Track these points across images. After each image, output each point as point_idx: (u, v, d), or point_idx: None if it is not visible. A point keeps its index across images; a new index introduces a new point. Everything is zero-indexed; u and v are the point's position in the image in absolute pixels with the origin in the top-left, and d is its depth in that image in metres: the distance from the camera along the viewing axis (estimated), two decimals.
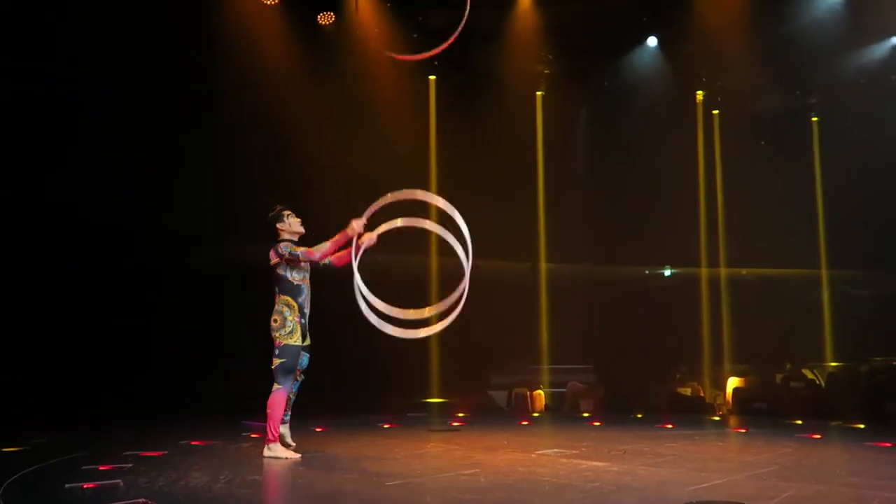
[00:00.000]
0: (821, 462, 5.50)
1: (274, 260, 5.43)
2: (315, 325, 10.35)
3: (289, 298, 5.41)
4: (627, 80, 11.81)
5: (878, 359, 10.96)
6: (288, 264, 5.41)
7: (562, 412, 10.78)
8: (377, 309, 5.61)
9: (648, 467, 5.02)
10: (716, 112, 12.75)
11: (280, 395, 5.33)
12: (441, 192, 11.87)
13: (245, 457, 5.39)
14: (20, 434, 6.27)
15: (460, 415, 9.04)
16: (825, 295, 12.76)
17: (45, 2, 8.39)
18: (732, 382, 11.13)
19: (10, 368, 7.97)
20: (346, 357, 10.30)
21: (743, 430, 7.72)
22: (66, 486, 4.15)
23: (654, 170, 11.65)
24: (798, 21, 10.51)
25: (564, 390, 11.42)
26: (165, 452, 5.46)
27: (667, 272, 13.86)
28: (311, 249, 5.40)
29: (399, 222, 5.82)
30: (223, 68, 9.50)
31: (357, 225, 5.43)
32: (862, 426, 8.10)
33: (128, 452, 5.34)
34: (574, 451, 5.73)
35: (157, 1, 8.88)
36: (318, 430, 7.15)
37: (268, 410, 5.32)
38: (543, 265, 12.63)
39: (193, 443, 6.05)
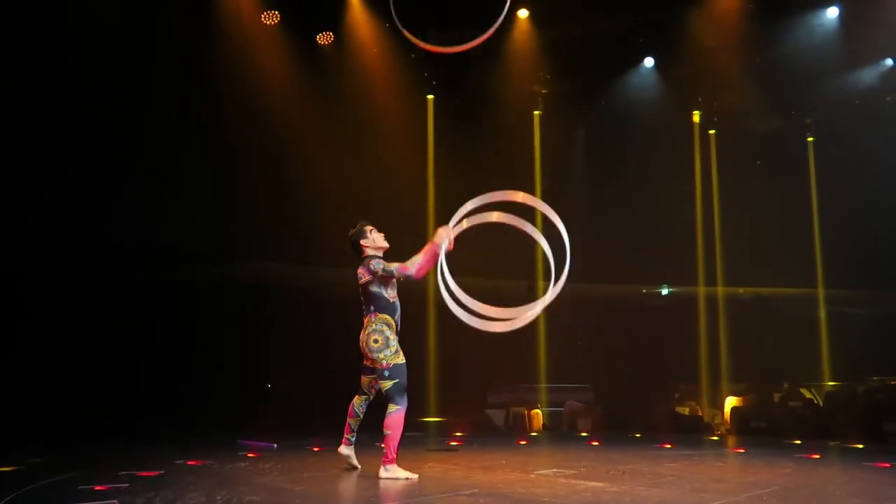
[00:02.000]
0: (820, 483, 5.47)
1: (365, 278, 5.30)
2: (311, 345, 10.42)
3: (387, 317, 5.34)
4: (624, 101, 11.89)
5: (875, 378, 10.95)
6: (380, 281, 5.29)
7: (560, 431, 10.74)
8: (470, 308, 5.51)
9: (648, 488, 5.00)
10: (712, 132, 12.83)
11: (399, 416, 5.27)
12: (439, 211, 12.09)
13: (241, 476, 5.36)
14: (15, 453, 6.23)
15: (458, 434, 9.00)
16: (822, 314, 12.78)
17: (43, 17, 8.43)
18: (731, 402, 11.10)
19: (4, 387, 7.94)
20: (343, 375, 10.30)
21: (742, 450, 7.70)
22: None
23: (651, 189, 11.71)
24: (793, 42, 10.61)
25: (562, 409, 11.38)
26: (161, 472, 5.43)
27: (664, 291, 13.86)
28: (404, 265, 5.25)
29: (495, 216, 5.66)
30: (222, 87, 9.57)
31: (444, 233, 5.30)
32: (860, 446, 8.09)
33: (124, 472, 5.31)
34: (572, 472, 5.70)
35: (155, 18, 8.95)
36: (315, 449, 7.11)
37: (386, 431, 5.26)
38: (541, 283, 12.63)
39: (190, 462, 6.01)
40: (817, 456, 7.01)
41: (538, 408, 11.30)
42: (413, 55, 11.00)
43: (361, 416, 5.60)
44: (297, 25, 10.24)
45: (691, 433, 9.89)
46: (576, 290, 12.97)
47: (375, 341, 5.29)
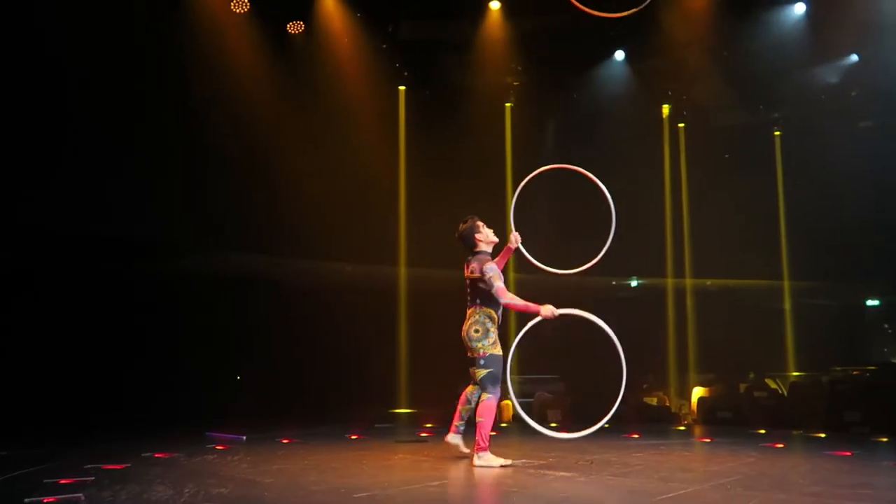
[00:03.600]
0: (783, 471, 5.58)
1: (476, 274, 5.56)
2: (283, 338, 10.38)
3: (490, 311, 5.58)
4: (595, 93, 11.94)
5: (838, 369, 11.17)
6: (483, 284, 5.51)
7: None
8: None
9: (615, 477, 5.06)
10: (682, 125, 12.96)
11: (491, 404, 5.46)
12: (411, 204, 12.08)
13: (209, 469, 5.33)
14: None
15: (428, 425, 9.01)
16: (788, 306, 13.00)
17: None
18: (697, 392, 11.24)
19: None
20: (313, 368, 10.30)
21: (708, 440, 7.82)
22: (26, 500, 4.06)
23: (621, 181, 11.77)
24: (761, 37, 10.73)
25: (532, 400, 11.43)
26: (128, 465, 5.37)
27: (633, 283, 14.00)
28: (505, 290, 5.51)
29: (582, 313, 5.89)
30: (191, 76, 9.44)
31: (550, 312, 5.51)
32: (823, 435, 8.25)
33: (89, 465, 5.25)
34: (542, 462, 5.75)
35: (124, 7, 8.79)
36: (285, 441, 7.09)
37: (479, 419, 5.44)
38: (512, 275, 12.68)
39: (157, 455, 5.95)
40: (781, 445, 7.14)
41: (508, 399, 11.34)
42: (385, 45, 10.97)
43: (474, 404, 5.69)
44: (268, 14, 10.12)
45: (659, 423, 10.00)
46: (547, 281, 13.12)
47: (476, 331, 5.55)
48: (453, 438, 5.83)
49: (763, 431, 8.62)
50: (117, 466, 5.29)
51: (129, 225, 9.44)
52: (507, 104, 12.52)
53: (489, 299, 5.55)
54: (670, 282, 12.93)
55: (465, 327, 5.62)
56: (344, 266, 11.48)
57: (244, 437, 7.16)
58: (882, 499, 4.43)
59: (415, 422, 9.75)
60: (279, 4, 10.18)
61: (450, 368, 11.37)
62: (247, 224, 10.38)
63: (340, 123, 10.80)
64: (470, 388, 5.78)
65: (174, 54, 9.20)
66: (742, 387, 11.23)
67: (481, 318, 5.56)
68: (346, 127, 10.84)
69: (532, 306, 5.47)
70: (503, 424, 10.24)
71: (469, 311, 5.64)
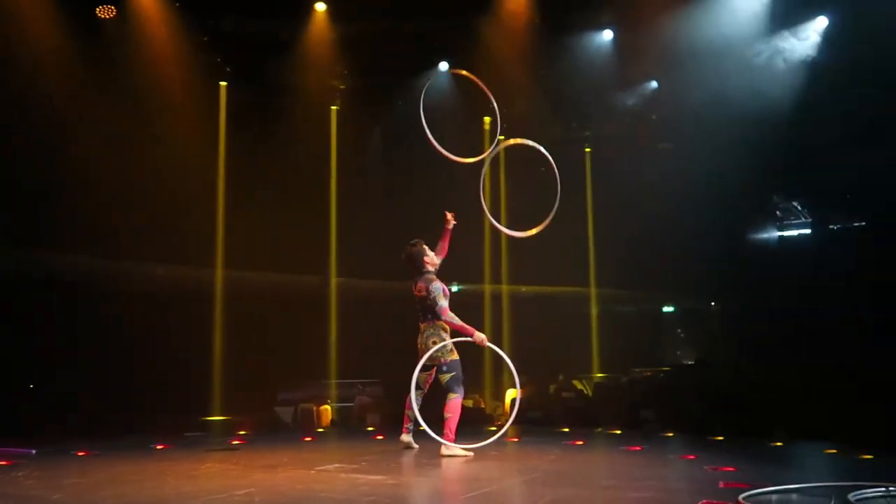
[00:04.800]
0: (582, 467, 5.93)
1: (423, 293, 6.34)
2: (85, 343, 9.63)
3: (442, 323, 6.30)
4: (419, 102, 12.11)
5: (637, 370, 12.07)
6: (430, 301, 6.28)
7: (348, 427, 10.76)
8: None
9: (426, 478, 5.16)
10: (501, 137, 13.43)
11: (457, 402, 6.20)
12: (230, 202, 11.68)
13: None
14: None
15: (242, 433, 8.74)
16: (594, 311, 13.86)
17: None
18: (511, 394, 11.69)
19: None
20: (118, 375, 9.66)
21: (516, 439, 8.14)
22: None
23: (443, 190, 12.05)
24: (573, 59, 11.40)
25: (352, 405, 11.42)
26: None
27: (455, 288, 14.36)
28: (447, 310, 6.29)
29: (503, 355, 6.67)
30: None
31: (482, 341, 6.35)
32: (619, 432, 8.85)
33: None
34: (354, 466, 5.74)
35: None
36: (80, 454, 6.59)
37: (447, 415, 6.13)
38: (334, 280, 12.62)
39: None
40: (581, 442, 7.58)
41: (328, 403, 11.26)
42: (205, 38, 10.55)
43: (417, 406, 6.31)
44: None
45: (473, 424, 10.29)
46: (368, 286, 13.18)
47: (434, 342, 6.26)
48: (405, 437, 6.54)
49: (567, 430, 9.10)
50: None
51: None
52: (333, 107, 12.45)
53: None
54: (488, 288, 13.41)
55: (421, 339, 6.35)
56: (154, 267, 10.89)
57: (33, 451, 6.57)
58: (666, 489, 4.80)
59: (228, 430, 9.43)
60: None
61: (266, 374, 11.18)
62: (43, 221, 9.57)
63: (154, 116, 10.25)
64: (414, 393, 6.36)
65: None
66: (552, 388, 11.83)
67: (436, 331, 6.30)
68: (160, 120, 10.29)
69: (468, 329, 6.27)
70: (320, 430, 10.14)
71: (423, 325, 6.38)
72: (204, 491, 4.75)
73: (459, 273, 13.62)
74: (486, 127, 13.15)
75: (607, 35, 11.44)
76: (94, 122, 9.58)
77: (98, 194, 9.53)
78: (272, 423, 10.57)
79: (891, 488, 4.31)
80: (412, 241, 6.63)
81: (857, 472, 5.07)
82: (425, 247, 6.61)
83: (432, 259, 6.61)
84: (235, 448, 7.27)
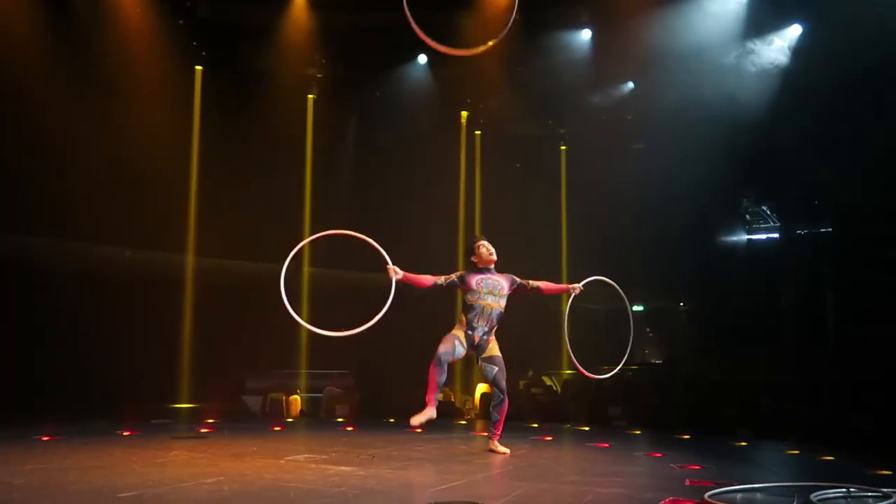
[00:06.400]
0: (549, 462, 5.98)
1: None
2: (53, 326, 9.46)
3: (462, 316, 6.33)
4: (397, 94, 12.12)
5: (605, 367, 12.15)
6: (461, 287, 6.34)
7: (318, 417, 10.74)
8: None
9: (394, 470, 5.17)
10: (478, 133, 13.49)
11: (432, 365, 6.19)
12: (202, 187, 11.52)
13: None
14: None
15: (210, 421, 8.68)
16: (565, 308, 13.91)
17: None
18: (481, 388, 11.74)
19: None
20: (83, 360, 9.51)
21: (486, 434, 8.15)
22: None
23: (417, 183, 12.05)
24: (552, 57, 11.44)
25: (321, 395, 11.38)
26: None
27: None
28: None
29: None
30: None
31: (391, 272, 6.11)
32: (587, 428, 8.95)
33: None
34: (323, 457, 5.74)
35: None
36: (44, 439, 6.50)
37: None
38: (306, 269, 12.55)
39: None
40: (550, 438, 7.65)
41: (297, 394, 11.22)
42: (181, 21, 10.41)
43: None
44: None
45: (444, 418, 10.32)
46: (338, 276, 13.13)
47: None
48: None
49: (536, 425, 9.17)
50: None
51: None
52: (310, 95, 12.37)
53: (463, 307, 6.32)
54: None
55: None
56: (123, 251, 10.73)
57: None
58: (633, 485, 4.86)
59: (196, 417, 9.35)
60: None
61: (236, 363, 11.09)
62: (7, 202, 9.38)
63: (126, 98, 10.08)
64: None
65: None
66: (521, 383, 11.89)
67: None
68: (133, 102, 10.13)
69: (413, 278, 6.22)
70: (289, 420, 10.11)
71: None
72: (171, 479, 4.72)
73: (432, 268, 13.64)
74: (463, 121, 13.18)
75: (585, 34, 11.50)
76: (64, 104, 9.40)
77: (67, 177, 9.37)
78: (241, 412, 10.51)
79: (851, 489, 4.41)
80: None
81: (818, 473, 5.17)
82: (479, 243, 6.54)
83: (480, 256, 6.46)
84: (203, 436, 7.22)
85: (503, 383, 6.28)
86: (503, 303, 6.38)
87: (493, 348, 6.37)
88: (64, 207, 9.51)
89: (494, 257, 6.45)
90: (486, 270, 6.37)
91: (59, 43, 9.41)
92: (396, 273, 6.05)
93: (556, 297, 13.97)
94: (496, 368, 6.30)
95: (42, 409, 8.22)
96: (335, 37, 10.97)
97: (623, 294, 6.79)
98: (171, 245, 11.20)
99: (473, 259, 6.47)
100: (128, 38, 10.12)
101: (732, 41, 10.54)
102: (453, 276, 6.34)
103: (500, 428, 6.33)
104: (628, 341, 6.85)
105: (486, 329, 6.30)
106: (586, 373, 6.66)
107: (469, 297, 6.29)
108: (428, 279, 6.23)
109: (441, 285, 6.31)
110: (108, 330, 9.61)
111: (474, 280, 6.28)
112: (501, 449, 6.26)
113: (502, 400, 6.28)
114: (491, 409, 6.38)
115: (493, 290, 6.32)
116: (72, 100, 9.48)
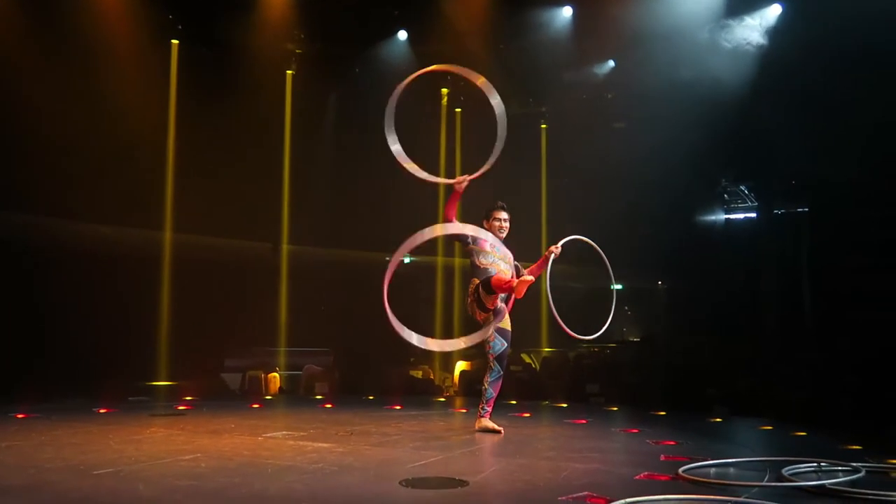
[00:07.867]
0: (526, 438, 6.02)
1: None
2: (25, 302, 9.36)
3: (474, 280, 6.01)
4: (377, 71, 12.00)
5: (583, 346, 12.26)
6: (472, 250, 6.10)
7: (297, 395, 10.74)
8: None
9: (372, 447, 5.19)
10: (458, 110, 13.43)
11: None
12: (180, 164, 11.38)
13: None
14: None
15: (188, 398, 8.65)
16: (545, 286, 13.97)
17: None
18: (460, 366, 11.81)
19: None
20: (59, 336, 9.43)
21: (464, 410, 8.21)
22: None
23: (395, 160, 11.97)
24: (532, 35, 11.38)
25: (301, 373, 11.39)
26: None
27: (406, 259, 14.35)
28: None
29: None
30: None
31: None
32: (565, 405, 9.02)
33: None
34: (302, 434, 5.75)
35: None
36: (19, 416, 6.46)
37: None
38: (285, 247, 12.49)
39: None
40: (528, 414, 7.70)
41: (276, 371, 11.21)
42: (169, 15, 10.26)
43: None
44: None
45: (423, 395, 10.38)
46: (321, 254, 13.10)
47: None
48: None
49: (514, 402, 9.22)
50: None
51: None
52: (289, 71, 12.24)
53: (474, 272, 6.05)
54: (440, 260, 13.44)
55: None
56: (99, 228, 10.60)
57: None
58: (609, 461, 4.91)
59: (174, 395, 9.31)
60: None
61: (215, 340, 11.04)
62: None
63: (102, 72, 9.91)
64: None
65: None
66: None
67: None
68: (108, 77, 9.96)
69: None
70: (268, 397, 10.10)
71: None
72: (148, 455, 4.71)
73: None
74: (444, 98, 13.11)
75: (567, 12, 11.44)
76: (38, 77, 9.23)
77: (43, 152, 9.22)
78: (219, 389, 10.49)
79: (822, 463, 4.49)
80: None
81: (790, 448, 5.26)
82: (495, 211, 6.37)
83: (492, 227, 6.29)
84: (181, 413, 7.20)
85: (506, 360, 6.17)
86: (510, 275, 6.11)
87: (507, 320, 6.18)
88: (38, 183, 9.36)
89: (503, 235, 6.25)
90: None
91: (33, 15, 9.20)
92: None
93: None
94: (506, 344, 6.17)
95: (19, 387, 8.14)
96: (314, 11, 10.82)
97: (601, 251, 6.72)
98: (148, 221, 11.08)
99: (486, 225, 6.24)
100: (103, 12, 9.93)
101: (713, 21, 10.55)
102: (468, 233, 5.94)
103: (492, 405, 6.16)
104: (612, 302, 6.85)
105: (504, 296, 6.02)
106: (572, 333, 6.41)
107: (482, 259, 6.03)
108: (456, 226, 5.97)
109: (466, 237, 6.05)
110: (84, 307, 9.51)
111: (488, 243, 6.01)
112: (496, 426, 6.05)
113: (501, 376, 6.16)
114: (487, 384, 6.16)
115: (505, 258, 6.13)
116: (46, 73, 9.31)
